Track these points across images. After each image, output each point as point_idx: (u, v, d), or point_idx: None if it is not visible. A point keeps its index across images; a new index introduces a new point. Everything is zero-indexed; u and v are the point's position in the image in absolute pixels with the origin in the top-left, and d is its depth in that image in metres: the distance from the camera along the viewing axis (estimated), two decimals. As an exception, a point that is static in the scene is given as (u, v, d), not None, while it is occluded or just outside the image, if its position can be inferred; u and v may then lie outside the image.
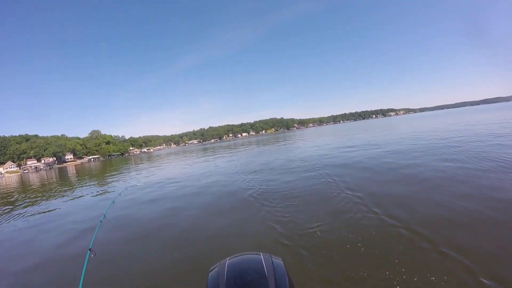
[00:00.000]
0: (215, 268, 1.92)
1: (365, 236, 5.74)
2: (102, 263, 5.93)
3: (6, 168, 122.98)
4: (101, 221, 5.64)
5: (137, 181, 16.49)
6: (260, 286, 1.68)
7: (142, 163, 46.96)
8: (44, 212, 13.64)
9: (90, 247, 3.84)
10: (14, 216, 13.83)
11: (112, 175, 30.86)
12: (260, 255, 1.97)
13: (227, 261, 1.94)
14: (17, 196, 23.39)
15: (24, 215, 13.59)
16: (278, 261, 1.92)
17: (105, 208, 8.35)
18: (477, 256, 4.55)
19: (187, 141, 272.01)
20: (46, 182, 35.65)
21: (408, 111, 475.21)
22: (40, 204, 16.68)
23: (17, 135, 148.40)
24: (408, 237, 5.48)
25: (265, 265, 1.82)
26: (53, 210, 13.99)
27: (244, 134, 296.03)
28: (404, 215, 6.57)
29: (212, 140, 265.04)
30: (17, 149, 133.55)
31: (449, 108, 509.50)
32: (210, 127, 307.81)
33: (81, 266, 3.57)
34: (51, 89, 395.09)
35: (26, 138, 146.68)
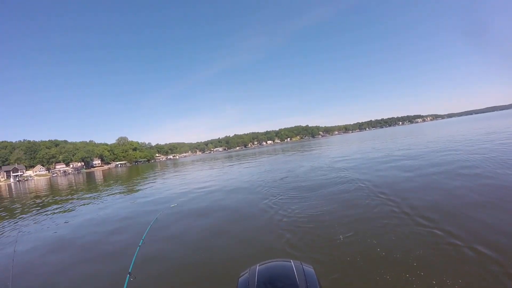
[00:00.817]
0: (245, 274, 1.88)
1: (398, 244, 5.60)
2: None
3: (35, 172, 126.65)
4: (139, 246, 5.06)
5: (168, 197, 15.53)
6: None
7: (167, 170, 46.68)
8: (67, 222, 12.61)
9: (129, 270, 3.46)
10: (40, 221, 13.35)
11: (139, 183, 30.24)
12: (290, 262, 1.93)
13: (257, 267, 1.90)
14: (44, 199, 22.70)
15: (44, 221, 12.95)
16: (309, 269, 1.87)
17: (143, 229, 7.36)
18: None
19: (212, 149, 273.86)
20: (74, 187, 35.33)
21: (435, 117, 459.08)
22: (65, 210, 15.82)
23: (47, 140, 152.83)
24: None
25: (296, 273, 1.78)
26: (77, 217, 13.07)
27: (269, 141, 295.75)
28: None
29: (237, 148, 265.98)
30: (46, 153, 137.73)
31: (477, 113, 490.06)
32: (235, 135, 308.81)
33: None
34: (80, 95, 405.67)
35: (56, 143, 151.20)
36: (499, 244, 5.00)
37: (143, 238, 6.10)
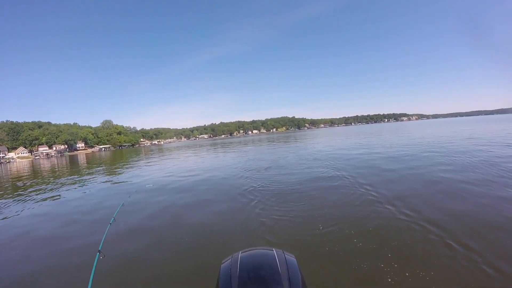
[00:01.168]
0: (227, 260, 1.89)
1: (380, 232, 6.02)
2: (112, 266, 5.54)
3: (18, 154, 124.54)
4: (110, 224, 5.41)
5: (146, 181, 16.04)
6: (274, 281, 1.66)
7: (152, 156, 46.63)
8: (46, 199, 13.19)
9: (99, 248, 3.65)
10: (19, 201, 13.75)
11: (122, 167, 30.53)
12: (273, 250, 1.94)
13: (240, 254, 1.91)
14: (25, 182, 23.18)
15: (29, 202, 13.37)
16: (291, 257, 1.88)
17: (114, 209, 8.10)
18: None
19: (197, 135, 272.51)
20: (57, 169, 35.51)
21: (420, 116, 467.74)
22: (46, 192, 16.30)
23: (30, 121, 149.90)
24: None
25: (278, 261, 1.79)
26: (57, 198, 13.69)
27: (255, 131, 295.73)
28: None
29: (223, 136, 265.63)
30: (29, 135, 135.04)
31: (462, 116, 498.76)
32: (221, 123, 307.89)
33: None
34: (65, 77, 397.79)
35: (39, 125, 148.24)
36: (473, 238, 5.39)
37: (114, 216, 6.69)
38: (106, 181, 18.95)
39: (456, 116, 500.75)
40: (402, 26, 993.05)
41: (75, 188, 16.82)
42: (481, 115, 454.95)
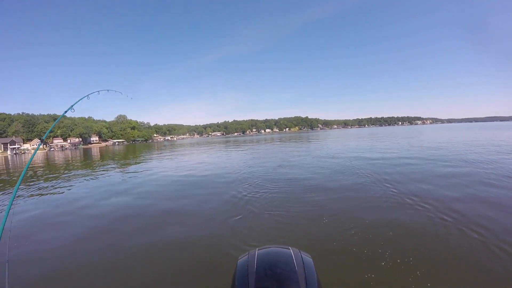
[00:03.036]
0: (244, 257, 1.88)
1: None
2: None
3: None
4: None
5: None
6: (290, 279, 1.64)
7: (164, 151, 46.47)
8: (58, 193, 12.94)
9: None
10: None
11: (134, 161, 30.28)
12: (289, 249, 1.91)
13: (257, 251, 1.90)
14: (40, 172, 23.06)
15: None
16: (307, 257, 1.86)
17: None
18: None
19: (210, 133, 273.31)
20: (70, 162, 35.64)
21: (435, 121, 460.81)
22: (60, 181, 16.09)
23: (46, 114, 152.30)
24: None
25: (295, 260, 1.78)
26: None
27: (267, 130, 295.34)
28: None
29: (235, 134, 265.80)
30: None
31: (477, 121, 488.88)
32: (234, 121, 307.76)
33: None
34: (81, 71, 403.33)
35: (54, 118, 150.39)
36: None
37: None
38: (120, 175, 18.67)
39: (471, 122, 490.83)
40: (416, 28, 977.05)
41: (85, 180, 16.64)
42: (496, 121, 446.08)
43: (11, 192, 13.68)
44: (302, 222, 6.92)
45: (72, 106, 4.29)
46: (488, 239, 5.38)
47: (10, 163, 44.27)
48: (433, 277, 4.28)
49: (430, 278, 4.24)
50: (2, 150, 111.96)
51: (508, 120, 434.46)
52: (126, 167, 24.18)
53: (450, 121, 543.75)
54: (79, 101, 4.69)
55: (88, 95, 5.04)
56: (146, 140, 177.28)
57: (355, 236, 5.85)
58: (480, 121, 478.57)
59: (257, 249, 1.91)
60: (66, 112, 4.18)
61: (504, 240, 5.31)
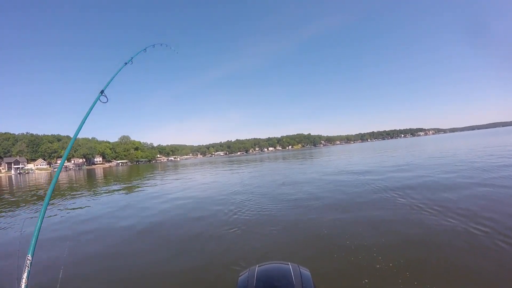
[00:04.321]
0: (244, 273, 1.98)
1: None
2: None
3: (37, 165, 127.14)
4: None
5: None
6: None
7: (167, 172, 46.43)
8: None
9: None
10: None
11: (138, 183, 30.04)
12: (288, 265, 2.01)
13: (257, 267, 1.98)
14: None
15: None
16: (306, 272, 1.95)
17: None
18: None
19: (213, 152, 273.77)
20: (74, 183, 35.52)
21: (437, 131, 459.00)
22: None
23: (50, 134, 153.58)
24: None
25: (293, 275, 1.85)
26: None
27: (270, 148, 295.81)
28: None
29: (238, 153, 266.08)
30: (48, 147, 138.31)
31: (480, 128, 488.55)
32: (237, 140, 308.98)
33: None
34: (84, 92, 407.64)
35: (58, 138, 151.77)
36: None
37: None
38: (123, 198, 18.56)
39: (474, 129, 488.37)
40: (411, 39, 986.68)
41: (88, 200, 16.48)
42: (498, 126, 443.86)
43: (20, 213, 13.60)
44: (305, 237, 7.01)
45: (132, 58, 4.76)
46: None
47: (14, 183, 44.35)
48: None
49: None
50: (6, 170, 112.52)
51: (510, 125, 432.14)
52: (132, 189, 24.04)
53: (453, 130, 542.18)
54: (138, 53, 5.23)
55: (145, 48, 5.67)
56: (149, 161, 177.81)
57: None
58: (483, 128, 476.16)
59: (257, 265, 2.00)
60: (126, 64, 4.57)
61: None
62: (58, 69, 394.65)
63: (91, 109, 3.08)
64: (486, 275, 4.66)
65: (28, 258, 1.87)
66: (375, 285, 4.51)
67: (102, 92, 3.26)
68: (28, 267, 1.83)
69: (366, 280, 4.65)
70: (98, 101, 3.23)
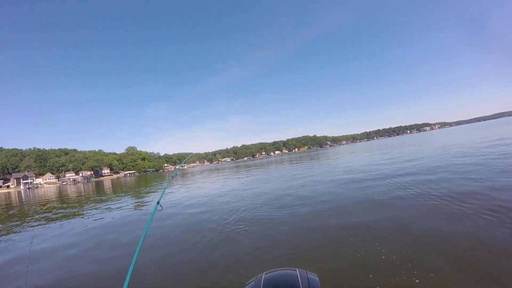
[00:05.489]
0: (251, 282, 1.96)
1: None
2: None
3: (45, 179, 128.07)
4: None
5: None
6: None
7: (176, 180, 46.24)
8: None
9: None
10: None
11: (147, 194, 29.83)
12: (296, 270, 1.99)
13: (263, 275, 1.98)
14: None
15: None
16: (313, 277, 1.94)
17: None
18: None
19: (220, 159, 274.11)
20: (83, 195, 35.52)
21: (443, 125, 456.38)
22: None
23: (57, 148, 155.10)
24: None
25: (300, 281, 1.84)
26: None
27: (277, 152, 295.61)
28: None
29: (245, 158, 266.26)
30: (56, 161, 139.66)
31: (486, 120, 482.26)
32: (243, 145, 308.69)
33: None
34: (90, 105, 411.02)
35: (65, 152, 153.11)
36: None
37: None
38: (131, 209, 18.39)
39: (480, 121, 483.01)
40: (413, 35, 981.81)
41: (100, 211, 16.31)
42: (504, 116, 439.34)
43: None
44: (313, 241, 6.97)
45: (174, 175, 5.29)
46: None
47: (23, 199, 44.48)
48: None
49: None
50: (15, 185, 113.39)
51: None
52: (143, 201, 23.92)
53: (458, 123, 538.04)
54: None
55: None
56: (157, 170, 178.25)
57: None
58: (489, 119, 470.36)
59: (264, 273, 2.00)
60: (172, 177, 5.22)
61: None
62: (60, 84, 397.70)
63: (151, 217, 3.48)
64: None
65: None
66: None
67: (158, 202, 3.72)
68: None
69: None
70: (156, 210, 3.69)
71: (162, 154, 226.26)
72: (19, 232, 13.76)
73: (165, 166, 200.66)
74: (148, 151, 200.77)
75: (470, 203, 8.05)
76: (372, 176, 16.60)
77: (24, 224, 16.20)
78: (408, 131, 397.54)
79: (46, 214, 19.76)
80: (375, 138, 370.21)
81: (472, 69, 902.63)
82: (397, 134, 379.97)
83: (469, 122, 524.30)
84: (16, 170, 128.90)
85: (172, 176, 5.33)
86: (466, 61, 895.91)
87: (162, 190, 4.53)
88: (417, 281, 4.50)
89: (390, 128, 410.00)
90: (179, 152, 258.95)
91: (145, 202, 20.70)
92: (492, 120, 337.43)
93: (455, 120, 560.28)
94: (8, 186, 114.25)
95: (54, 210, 22.02)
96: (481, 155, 18.12)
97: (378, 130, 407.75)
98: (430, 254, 5.35)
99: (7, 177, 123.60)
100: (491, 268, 4.65)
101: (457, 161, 17.19)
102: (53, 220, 16.49)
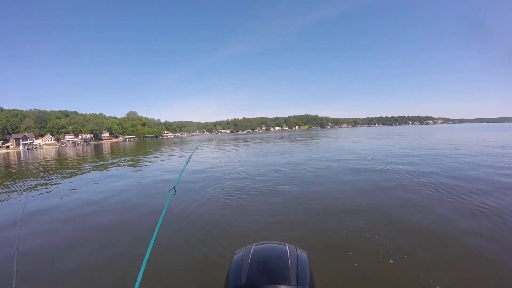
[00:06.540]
0: (240, 252, 1.94)
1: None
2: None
3: (45, 141, 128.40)
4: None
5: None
6: (282, 275, 1.68)
7: (174, 147, 46.29)
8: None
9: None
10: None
11: (144, 159, 29.90)
12: (286, 245, 1.97)
13: (253, 246, 1.95)
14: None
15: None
16: (302, 254, 1.90)
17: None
18: None
19: (220, 130, 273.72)
20: (82, 158, 35.54)
21: (446, 121, 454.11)
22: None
23: (57, 110, 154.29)
24: None
25: (289, 256, 1.82)
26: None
27: (277, 128, 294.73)
28: None
29: (245, 131, 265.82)
30: (56, 123, 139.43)
31: (489, 122, 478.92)
32: (244, 118, 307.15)
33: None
34: (92, 68, 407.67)
35: (66, 114, 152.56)
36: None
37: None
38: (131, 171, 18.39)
39: (482, 122, 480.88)
40: (423, 30, 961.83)
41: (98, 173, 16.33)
42: (508, 121, 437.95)
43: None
44: (304, 218, 7.03)
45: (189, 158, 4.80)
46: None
47: (22, 158, 44.64)
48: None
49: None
50: (15, 146, 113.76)
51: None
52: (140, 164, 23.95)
53: (461, 121, 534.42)
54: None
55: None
56: (156, 137, 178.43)
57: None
58: (492, 122, 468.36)
59: (254, 244, 1.96)
60: (187, 163, 4.62)
61: None
62: (64, 52, 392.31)
63: (166, 206, 3.01)
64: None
65: None
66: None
67: (174, 188, 3.39)
68: None
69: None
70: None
71: (162, 121, 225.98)
72: (13, 192, 13.42)
73: (164, 133, 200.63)
74: (148, 117, 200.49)
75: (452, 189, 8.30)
76: (376, 162, 16.67)
77: (18, 184, 15.97)
78: (410, 122, 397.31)
79: (43, 174, 19.72)
80: (376, 124, 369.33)
81: (481, 71, 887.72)
82: (399, 124, 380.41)
83: (472, 122, 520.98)
84: (16, 130, 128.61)
85: (189, 159, 4.93)
86: (477, 60, 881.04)
87: (178, 173, 4.24)
88: (391, 260, 4.66)
89: (392, 117, 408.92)
90: (179, 120, 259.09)
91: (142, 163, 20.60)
92: (495, 123, 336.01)
93: (458, 118, 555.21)
94: (7, 147, 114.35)
95: (51, 171, 21.99)
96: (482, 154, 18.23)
97: (381, 117, 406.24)
98: (409, 237, 5.57)
99: (7, 137, 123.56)
100: (461, 251, 4.94)
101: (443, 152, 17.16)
102: (47, 182, 16.32)
